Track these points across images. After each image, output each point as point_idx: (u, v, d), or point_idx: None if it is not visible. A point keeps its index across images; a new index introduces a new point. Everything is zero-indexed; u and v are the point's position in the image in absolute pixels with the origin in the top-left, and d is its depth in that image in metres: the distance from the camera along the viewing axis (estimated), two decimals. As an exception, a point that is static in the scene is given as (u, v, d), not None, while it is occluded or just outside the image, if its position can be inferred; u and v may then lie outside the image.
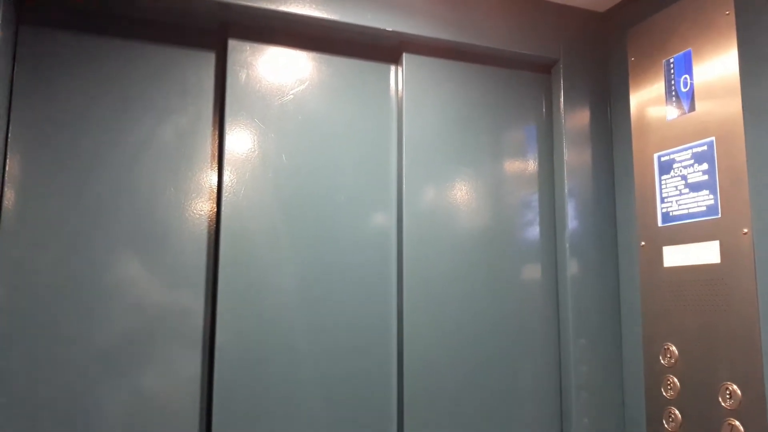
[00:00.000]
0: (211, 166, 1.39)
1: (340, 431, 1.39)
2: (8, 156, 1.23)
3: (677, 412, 1.38)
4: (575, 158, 1.63)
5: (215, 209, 1.38)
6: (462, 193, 1.56)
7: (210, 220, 1.37)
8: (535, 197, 1.65)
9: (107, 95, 1.32)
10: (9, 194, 1.22)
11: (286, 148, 1.42)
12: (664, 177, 1.47)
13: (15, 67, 1.26)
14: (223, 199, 1.35)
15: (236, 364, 1.31)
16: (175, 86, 1.38)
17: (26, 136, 1.25)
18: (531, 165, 1.66)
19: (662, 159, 1.48)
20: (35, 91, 1.27)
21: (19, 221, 1.23)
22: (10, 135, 1.24)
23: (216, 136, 1.41)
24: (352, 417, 1.40)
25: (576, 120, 1.65)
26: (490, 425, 1.51)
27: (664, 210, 1.46)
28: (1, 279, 1.20)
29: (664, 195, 1.47)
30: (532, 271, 1.61)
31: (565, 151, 1.62)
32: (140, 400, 1.26)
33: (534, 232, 1.63)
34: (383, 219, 1.50)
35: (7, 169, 1.23)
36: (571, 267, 1.58)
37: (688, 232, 1.40)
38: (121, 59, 1.34)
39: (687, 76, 1.43)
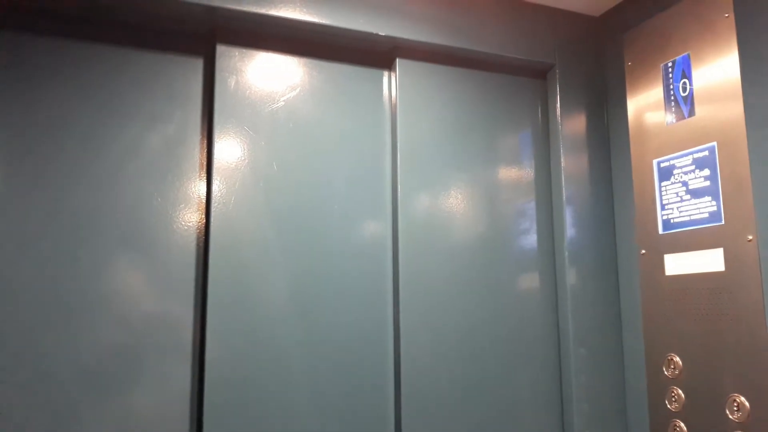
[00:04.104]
0: (200, 175, 1.35)
1: (336, 449, 1.34)
2: (-14, 166, 1.18)
3: (683, 425, 1.34)
4: (573, 165, 1.60)
5: (204, 220, 1.33)
6: (458, 201, 1.52)
7: (199, 232, 1.33)
8: (532, 205, 1.62)
9: (91, 103, 1.27)
10: (-13, 206, 1.17)
11: (277, 156, 1.38)
12: (664, 183, 1.45)
13: (-7, 74, 1.21)
14: (212, 209, 1.31)
15: (227, 380, 1.26)
16: (162, 93, 1.34)
17: (7, 144, 1.20)
18: (528, 172, 1.63)
19: (662, 165, 1.45)
20: (16, 98, 1.22)
21: (0, 232, 1.18)
22: (-12, 144, 1.19)
23: (204, 145, 1.36)
24: (347, 434, 1.36)
25: (573, 126, 1.62)
26: (490, 440, 1.47)
27: (665, 217, 1.43)
28: (-22, 295, 1.15)
29: (664, 202, 1.44)
30: (531, 281, 1.58)
31: (562, 157, 1.59)
32: (127, 417, 1.21)
33: (532, 240, 1.60)
34: (378, 228, 1.46)
35: (-15, 180, 1.18)
36: (570, 276, 1.55)
37: (690, 240, 1.37)
38: (106, 65, 1.30)
39: (686, 80, 1.41)
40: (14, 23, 1.24)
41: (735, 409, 1.23)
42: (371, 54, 1.52)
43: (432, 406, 1.41)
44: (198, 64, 1.38)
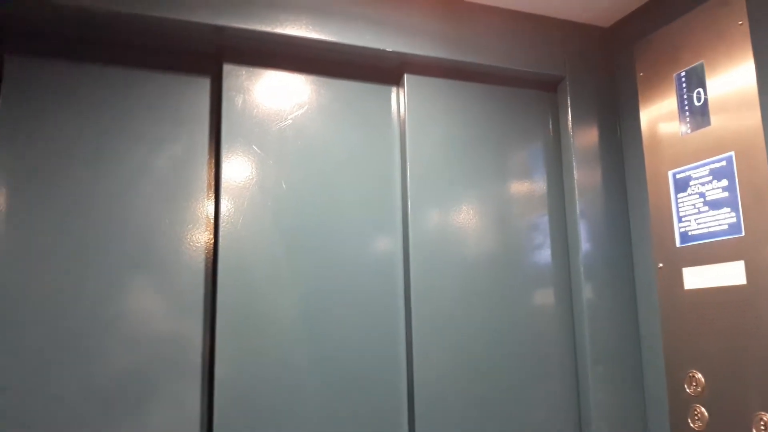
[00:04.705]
0: (208, 195, 1.34)
1: (349, 473, 1.31)
2: (-6, 190, 1.18)
3: (707, 444, 1.30)
4: (586, 177, 1.57)
5: (213, 240, 1.32)
6: (470, 216, 1.50)
7: (207, 252, 1.31)
8: (546, 219, 1.59)
9: (97, 124, 1.27)
10: (-5, 230, 1.17)
11: (285, 174, 1.37)
12: (680, 195, 1.41)
13: (0, 98, 1.21)
14: (221, 229, 1.29)
15: (237, 399, 1.24)
16: (169, 113, 1.33)
17: (15, 166, 1.20)
18: (540, 185, 1.60)
19: (678, 176, 1.42)
20: (22, 121, 1.22)
21: (9, 255, 1.17)
22: (-4, 168, 1.19)
23: (212, 164, 1.35)
24: (360, 457, 1.33)
25: (585, 138, 1.60)
26: (507, 461, 1.43)
27: (682, 229, 1.40)
28: (-14, 320, 1.14)
29: (681, 214, 1.41)
30: (546, 296, 1.54)
31: (575, 170, 1.56)
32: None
33: (546, 254, 1.56)
34: (388, 246, 1.44)
35: (-7, 203, 1.18)
36: (586, 291, 1.51)
37: (709, 252, 1.33)
38: (112, 87, 1.30)
39: (700, 89, 1.38)
40: (17, 47, 1.24)
41: (762, 428, 1.18)
42: (379, 70, 1.51)
43: (446, 425, 1.38)
44: (205, 84, 1.37)
